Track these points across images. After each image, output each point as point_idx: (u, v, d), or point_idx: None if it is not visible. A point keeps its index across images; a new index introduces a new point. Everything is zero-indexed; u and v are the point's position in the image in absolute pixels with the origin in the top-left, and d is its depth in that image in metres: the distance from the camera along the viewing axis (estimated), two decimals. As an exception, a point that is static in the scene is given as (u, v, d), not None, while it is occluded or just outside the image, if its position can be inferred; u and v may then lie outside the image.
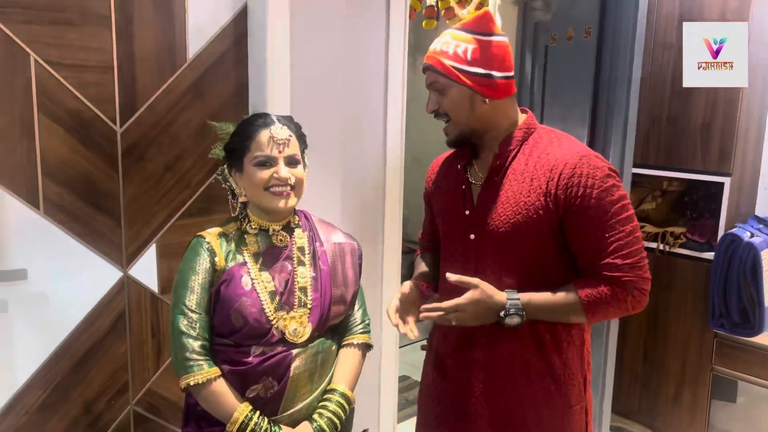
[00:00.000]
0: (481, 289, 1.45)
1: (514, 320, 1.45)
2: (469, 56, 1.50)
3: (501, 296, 1.46)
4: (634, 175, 2.97)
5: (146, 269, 2.03)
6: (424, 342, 1.85)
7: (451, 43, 1.51)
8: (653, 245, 3.12)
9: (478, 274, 1.52)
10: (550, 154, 1.50)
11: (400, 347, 2.64)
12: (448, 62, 1.50)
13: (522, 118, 1.59)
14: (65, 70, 1.80)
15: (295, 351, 1.51)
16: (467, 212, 1.57)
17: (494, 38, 1.51)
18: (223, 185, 1.61)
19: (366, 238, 2.44)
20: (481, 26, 1.51)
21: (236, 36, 2.12)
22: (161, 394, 2.11)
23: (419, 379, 1.83)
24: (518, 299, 1.46)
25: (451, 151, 1.75)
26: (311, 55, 2.20)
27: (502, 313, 1.45)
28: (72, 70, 1.82)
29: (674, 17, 2.86)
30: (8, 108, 1.73)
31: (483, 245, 1.54)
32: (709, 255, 2.94)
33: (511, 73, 1.55)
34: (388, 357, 2.57)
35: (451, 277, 1.46)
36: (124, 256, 1.98)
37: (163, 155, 2.01)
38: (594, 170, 1.45)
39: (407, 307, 1.60)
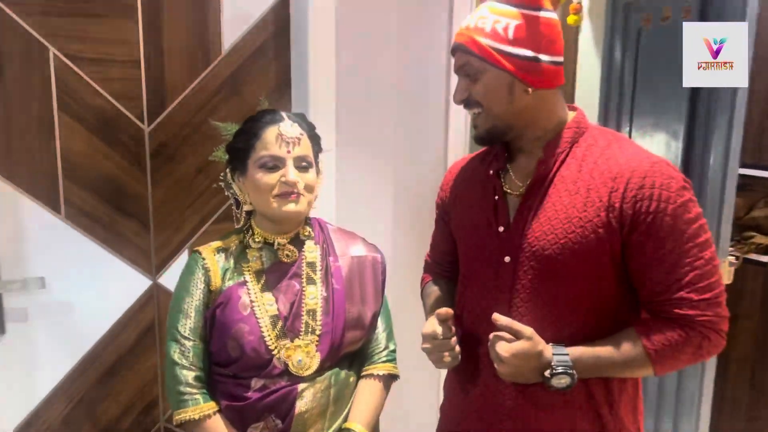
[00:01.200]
0: (534, 342, 1.17)
1: (562, 381, 1.16)
2: (511, 34, 1.20)
3: (547, 351, 1.18)
4: (743, 176, 2.54)
5: (177, 277, 1.88)
6: None
7: (489, 18, 1.21)
8: (765, 259, 2.68)
9: (514, 309, 1.24)
10: (611, 159, 1.20)
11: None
12: (485, 41, 1.20)
13: (571, 115, 1.29)
14: (87, 64, 1.68)
15: (300, 386, 1.30)
16: (501, 229, 1.26)
17: (542, 14, 1.22)
18: (226, 192, 1.42)
19: (422, 246, 2.20)
20: (531, 0, 1.22)
21: (277, 25, 1.93)
22: (194, 410, 1.98)
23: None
24: (567, 355, 1.16)
25: (472, 154, 1.46)
26: (360, 44, 1.98)
27: (547, 372, 1.16)
28: (95, 64, 1.69)
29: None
30: (26, 106, 1.62)
31: (522, 270, 1.23)
32: (835, 272, 2.48)
33: (561, 59, 1.25)
34: (433, 371, 2.33)
35: (501, 320, 1.18)
36: (153, 263, 1.85)
37: (194, 156, 1.86)
38: (668, 180, 1.15)
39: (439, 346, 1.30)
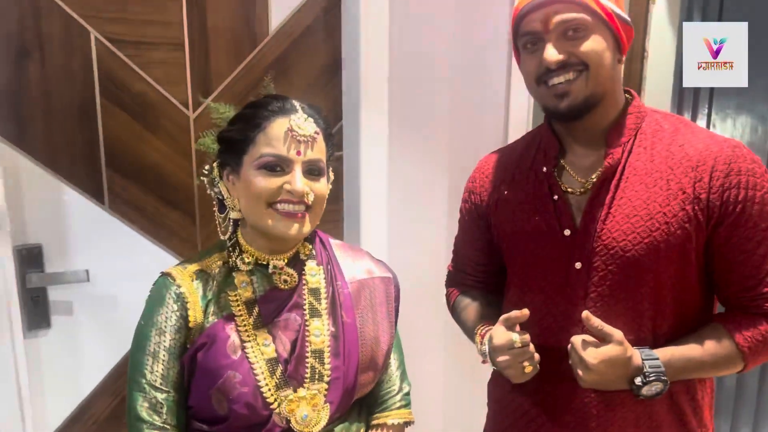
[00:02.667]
0: (625, 347, 1.04)
1: (653, 389, 1.03)
2: None
3: (636, 357, 1.05)
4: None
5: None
6: None
7: None
8: None
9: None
10: (686, 145, 1.08)
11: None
12: None
13: (629, 100, 1.16)
14: (129, 48, 1.60)
15: None
16: (567, 233, 1.13)
17: None
18: (208, 191, 1.15)
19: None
20: None
21: (327, 3, 1.82)
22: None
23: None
24: (658, 359, 1.04)
25: (503, 147, 1.32)
26: (414, 22, 1.86)
27: (638, 380, 1.03)
28: (137, 48, 1.61)
29: None
30: (67, 92, 1.56)
31: (597, 276, 1.10)
32: None
33: None
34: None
35: (593, 320, 1.05)
36: (199, 255, 1.78)
37: (241, 143, 1.77)
38: (753, 165, 1.06)
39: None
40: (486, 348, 1.14)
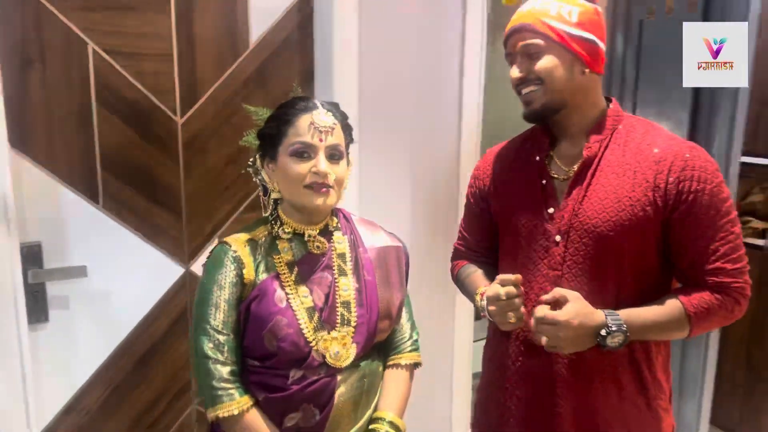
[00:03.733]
0: (583, 302, 1.27)
1: (616, 339, 1.26)
2: (574, 18, 1.33)
3: (599, 313, 1.28)
4: (740, 164, 2.65)
5: (208, 265, 1.95)
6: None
7: (554, 3, 1.33)
8: (761, 242, 2.80)
9: (564, 283, 1.35)
10: (652, 144, 1.33)
11: (474, 341, 2.48)
12: (552, 22, 1.32)
13: (609, 104, 1.42)
14: (124, 58, 1.72)
15: (340, 376, 1.31)
16: (551, 210, 1.38)
17: (597, 6, 1.36)
18: (254, 179, 1.40)
19: (438, 234, 2.27)
20: None
21: (301, 18, 1.99)
22: (224, 394, 2.04)
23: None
24: (618, 315, 1.27)
25: (505, 142, 1.57)
26: (381, 37, 2.05)
27: (603, 332, 1.26)
28: (130, 58, 1.73)
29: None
30: (66, 100, 1.67)
31: (573, 248, 1.35)
32: (828, 254, 2.60)
33: (605, 48, 1.38)
34: (462, 355, 2.41)
35: (547, 296, 1.29)
36: (185, 251, 1.90)
37: (225, 147, 1.91)
38: (706, 164, 1.30)
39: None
40: (484, 303, 1.37)
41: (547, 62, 1.32)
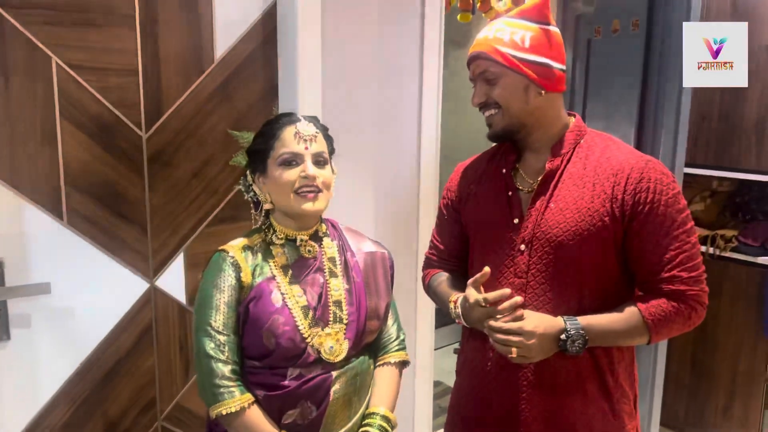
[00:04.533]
0: (536, 314, 1.35)
1: (576, 344, 1.33)
2: (527, 44, 1.40)
3: (558, 320, 1.35)
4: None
5: (173, 280, 1.95)
6: (457, 345, 1.70)
7: (506, 30, 1.40)
8: (702, 249, 2.95)
9: (529, 290, 1.41)
10: (611, 158, 1.40)
11: (435, 349, 2.54)
12: (504, 49, 1.39)
13: (571, 120, 1.49)
14: (88, 73, 1.72)
15: (335, 373, 1.40)
16: (516, 221, 1.44)
17: (551, 28, 1.43)
18: (246, 196, 1.49)
19: (400, 243, 2.33)
20: (541, 15, 1.43)
21: (265, 34, 2.02)
22: (189, 408, 2.03)
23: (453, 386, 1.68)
24: (578, 321, 1.34)
25: (475, 156, 1.64)
26: (344, 54, 2.10)
27: (563, 336, 1.33)
28: (95, 73, 1.73)
29: (726, 7, 2.69)
30: (30, 114, 1.65)
31: (536, 256, 1.41)
32: (764, 260, 2.77)
33: (565, 67, 1.46)
34: (423, 363, 2.47)
35: (505, 296, 1.35)
36: (150, 266, 1.90)
37: (189, 161, 1.92)
38: (662, 176, 1.37)
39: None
40: (459, 311, 1.44)
41: (502, 89, 1.40)
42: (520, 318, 1.33)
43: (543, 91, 1.40)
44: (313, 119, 1.45)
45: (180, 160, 1.90)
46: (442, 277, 1.62)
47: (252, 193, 1.47)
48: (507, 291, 1.34)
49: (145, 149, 1.84)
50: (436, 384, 3.68)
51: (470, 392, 1.55)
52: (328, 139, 1.47)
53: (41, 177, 1.68)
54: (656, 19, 2.41)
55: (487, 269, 1.37)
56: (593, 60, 2.74)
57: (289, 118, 1.41)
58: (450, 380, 3.41)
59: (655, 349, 2.71)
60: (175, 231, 1.93)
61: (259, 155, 1.42)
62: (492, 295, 1.34)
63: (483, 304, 1.34)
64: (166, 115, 1.86)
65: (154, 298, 1.92)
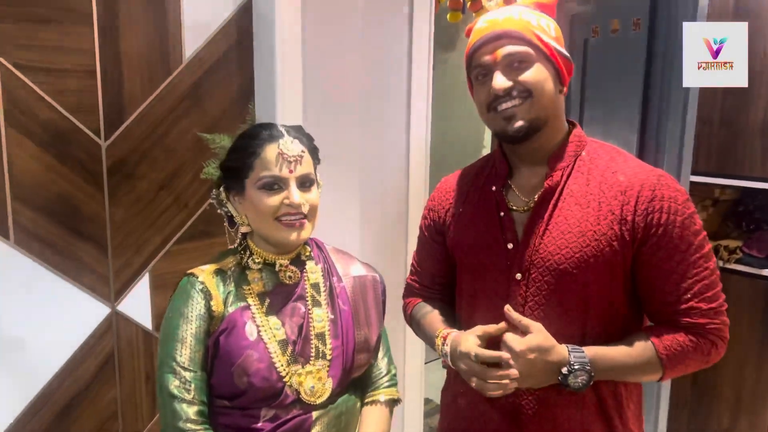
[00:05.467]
0: (546, 335, 1.16)
1: (579, 380, 1.14)
2: (553, 32, 1.22)
3: (562, 349, 1.16)
4: (682, 182, 2.67)
5: (138, 303, 1.76)
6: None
7: (532, 14, 1.22)
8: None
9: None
10: (618, 173, 1.21)
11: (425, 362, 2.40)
12: (539, 33, 1.20)
13: (571, 129, 1.30)
14: (38, 74, 1.53)
15: (315, 414, 1.24)
16: (510, 246, 1.25)
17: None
18: (219, 210, 1.32)
19: (387, 256, 2.17)
20: (553, 12, 1.26)
21: (239, 33, 1.85)
22: (157, 444, 1.85)
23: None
24: (583, 353, 1.16)
25: (459, 171, 1.44)
26: (326, 53, 1.93)
27: (564, 369, 1.15)
28: (47, 74, 1.54)
29: (730, 7, 2.56)
30: (-31, 121, 1.46)
31: (534, 286, 1.22)
32: (770, 271, 2.64)
33: None
34: (413, 379, 2.33)
35: (512, 313, 1.17)
36: (111, 289, 1.71)
37: (156, 172, 1.73)
38: (676, 194, 1.19)
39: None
40: (448, 349, 1.24)
41: (538, 73, 1.19)
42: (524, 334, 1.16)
43: (563, 89, 1.24)
44: (298, 132, 1.28)
45: (144, 171, 1.72)
46: (426, 309, 1.43)
47: (226, 210, 1.31)
48: (506, 355, 1.15)
49: (105, 159, 1.66)
50: (426, 402, 3.52)
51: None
52: (314, 154, 1.30)
53: (-16, 192, 1.50)
54: (660, 19, 2.27)
55: (503, 325, 1.19)
56: (590, 62, 2.59)
57: (270, 132, 1.24)
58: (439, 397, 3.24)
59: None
60: (139, 249, 1.74)
61: (236, 173, 1.25)
62: (487, 354, 1.16)
63: (473, 359, 1.16)
64: (128, 121, 1.68)
65: (116, 324, 1.73)
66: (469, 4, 2.69)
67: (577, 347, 1.17)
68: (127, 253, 1.72)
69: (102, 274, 1.69)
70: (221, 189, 1.30)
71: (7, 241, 1.54)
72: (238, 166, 1.24)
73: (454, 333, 1.26)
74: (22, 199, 1.54)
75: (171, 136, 1.75)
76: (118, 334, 1.74)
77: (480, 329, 1.20)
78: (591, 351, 1.17)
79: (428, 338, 1.37)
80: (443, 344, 1.27)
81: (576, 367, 1.14)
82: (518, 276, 1.23)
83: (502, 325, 1.19)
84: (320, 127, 1.94)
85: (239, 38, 1.85)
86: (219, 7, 1.80)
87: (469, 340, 1.19)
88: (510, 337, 1.16)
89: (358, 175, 2.07)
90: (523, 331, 1.16)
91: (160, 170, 1.74)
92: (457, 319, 1.39)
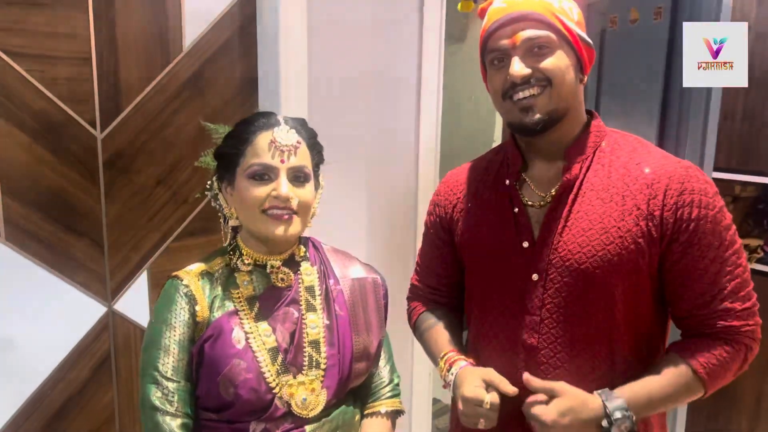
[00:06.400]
0: (572, 395, 1.06)
1: (623, 427, 1.04)
2: (575, 16, 1.13)
3: (594, 401, 1.06)
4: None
5: (136, 302, 1.69)
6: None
7: None
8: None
9: (544, 330, 1.13)
10: (642, 164, 1.13)
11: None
12: (561, 16, 1.10)
13: (590, 119, 1.21)
14: (30, 62, 1.46)
15: (308, 428, 1.15)
16: (526, 244, 1.16)
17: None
18: (213, 204, 1.24)
19: (394, 257, 2.09)
20: None
21: (243, 20, 1.76)
22: (156, 448, 1.77)
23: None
24: (620, 400, 1.06)
25: (468, 164, 1.34)
26: (332, 42, 1.84)
27: (605, 423, 1.04)
28: (38, 62, 1.47)
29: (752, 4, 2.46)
30: (-44, 110, 1.38)
31: (553, 288, 1.13)
32: (793, 272, 2.54)
33: None
34: (421, 380, 2.28)
35: (533, 381, 1.08)
36: (108, 287, 1.64)
37: (154, 165, 1.66)
38: (705, 186, 1.10)
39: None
40: (452, 378, 1.15)
41: (559, 61, 1.10)
42: (548, 400, 1.06)
43: (583, 78, 1.15)
44: (298, 123, 1.19)
45: (142, 165, 1.64)
46: (431, 320, 1.33)
47: (219, 203, 1.22)
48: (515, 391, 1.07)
49: (101, 152, 1.58)
50: (434, 402, 3.45)
51: None
52: (314, 149, 1.21)
53: (-28, 185, 1.42)
54: (682, 7, 2.17)
55: (515, 390, 1.08)
56: (608, 53, 2.49)
57: (267, 120, 1.16)
58: (447, 397, 3.17)
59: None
60: (136, 246, 1.67)
61: (228, 161, 1.17)
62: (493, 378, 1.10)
63: (486, 406, 1.07)
64: (125, 112, 1.60)
65: (112, 323, 1.66)
66: (481, -9, 2.60)
67: (610, 393, 1.07)
68: (124, 250, 1.65)
69: (98, 272, 1.62)
70: (214, 179, 1.22)
71: (-2, 237, 1.47)
72: (230, 152, 1.16)
73: (462, 363, 1.17)
74: (12, 193, 1.47)
75: (170, 128, 1.67)
76: (115, 334, 1.67)
77: (485, 376, 1.11)
78: (626, 393, 1.08)
79: (432, 356, 1.28)
80: (448, 372, 1.18)
81: (617, 416, 1.04)
82: (535, 277, 1.14)
83: (515, 390, 1.09)
84: (326, 123, 1.87)
85: (242, 25, 1.77)
86: (221, -8, 1.72)
87: (473, 384, 1.10)
88: (538, 410, 1.06)
89: (365, 169, 1.99)
90: (548, 395, 1.07)
91: (158, 164, 1.66)
92: (465, 324, 1.31)
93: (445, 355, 1.21)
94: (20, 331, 1.53)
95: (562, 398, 1.05)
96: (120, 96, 1.59)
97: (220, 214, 1.25)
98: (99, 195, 1.59)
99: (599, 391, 1.08)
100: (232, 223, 1.20)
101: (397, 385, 1.33)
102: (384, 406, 1.28)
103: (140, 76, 1.61)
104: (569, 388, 1.06)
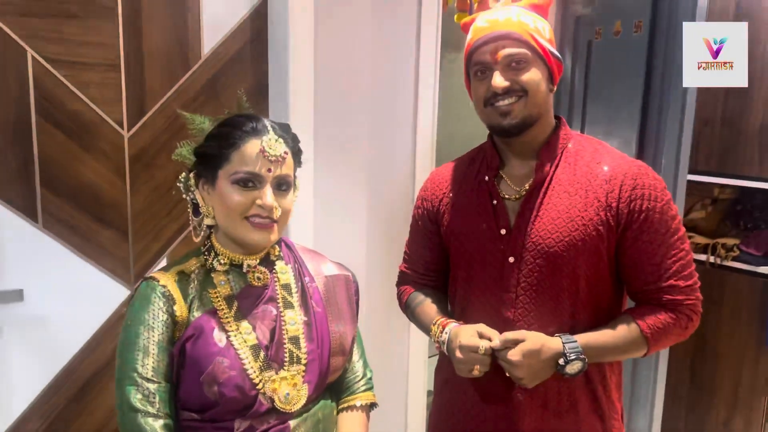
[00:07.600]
0: (534, 339, 1.24)
1: (575, 367, 1.24)
2: (547, 34, 1.31)
3: (554, 342, 1.25)
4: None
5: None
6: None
7: (528, 16, 1.30)
8: (702, 257, 2.88)
9: (519, 305, 1.32)
10: (602, 163, 1.32)
11: (429, 357, 2.45)
12: (535, 35, 1.29)
13: (557, 124, 1.39)
14: (66, 67, 1.62)
15: (292, 423, 1.18)
16: (503, 231, 1.34)
17: None
18: (184, 195, 1.24)
19: (394, 249, 2.23)
20: (546, 14, 1.35)
21: (254, 30, 1.93)
22: (172, 422, 1.93)
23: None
24: (575, 342, 1.25)
25: (451, 162, 1.52)
26: (337, 52, 2.01)
27: (561, 361, 1.24)
28: (73, 68, 1.63)
29: (731, 8, 2.62)
30: (2, 110, 1.55)
31: (526, 269, 1.31)
32: (766, 269, 2.69)
33: None
34: (416, 372, 2.38)
35: (507, 335, 1.25)
36: (131, 272, 1.80)
37: (173, 162, 1.77)
38: (655, 182, 1.30)
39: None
40: (446, 338, 1.32)
41: (534, 75, 1.28)
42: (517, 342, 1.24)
43: (553, 88, 1.33)
44: (284, 131, 1.20)
45: (164, 161, 1.80)
46: (420, 297, 1.50)
47: (192, 197, 1.22)
48: (512, 337, 1.24)
49: (127, 149, 1.74)
50: (429, 394, 3.58)
51: (454, 411, 1.44)
52: (297, 157, 1.23)
53: (14, 177, 1.59)
54: (660, 21, 2.34)
55: (496, 342, 1.25)
56: (594, 62, 2.66)
57: (255, 126, 1.16)
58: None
59: (656, 363, 2.63)
60: (157, 236, 1.83)
61: (210, 161, 1.16)
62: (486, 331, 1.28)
63: (481, 352, 1.24)
64: (149, 113, 1.77)
65: (134, 306, 1.81)
66: (476, 5, 2.76)
67: (569, 336, 1.26)
68: (146, 239, 1.81)
69: (122, 258, 1.78)
70: (191, 175, 1.21)
71: (36, 224, 1.63)
72: (214, 153, 1.16)
73: (453, 324, 1.35)
74: (49, 185, 1.63)
75: (187, 131, 1.83)
76: (137, 316, 1.82)
77: (478, 328, 1.29)
78: (582, 339, 1.26)
79: (423, 325, 1.45)
80: (441, 332, 1.35)
81: (571, 357, 1.23)
82: (511, 259, 1.32)
83: (504, 337, 1.25)
84: (330, 125, 2.04)
85: (254, 36, 1.93)
86: (236, 4, 1.89)
87: (469, 333, 1.28)
88: (506, 353, 1.23)
89: (365, 170, 2.14)
90: (515, 344, 1.24)
91: (177, 161, 1.82)
92: (450, 304, 1.48)
93: (437, 320, 1.38)
94: (53, 310, 1.68)
95: (525, 342, 1.23)
96: (145, 99, 1.76)
97: (190, 206, 1.24)
98: (125, 188, 1.75)
99: (560, 335, 1.26)
100: (207, 222, 1.20)
101: (371, 379, 1.38)
102: (359, 399, 1.33)
103: (163, 81, 1.78)
104: (532, 333, 1.25)
